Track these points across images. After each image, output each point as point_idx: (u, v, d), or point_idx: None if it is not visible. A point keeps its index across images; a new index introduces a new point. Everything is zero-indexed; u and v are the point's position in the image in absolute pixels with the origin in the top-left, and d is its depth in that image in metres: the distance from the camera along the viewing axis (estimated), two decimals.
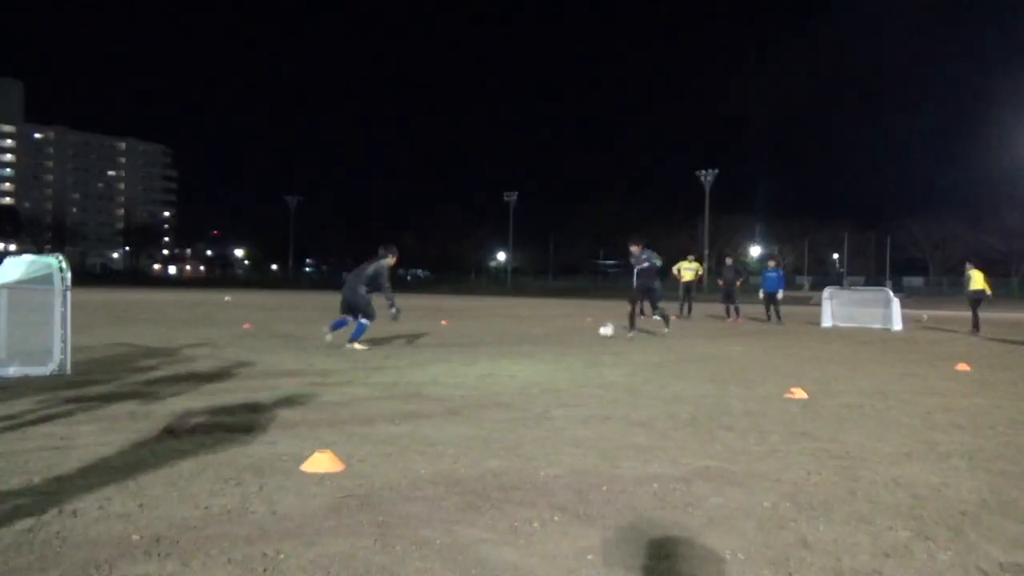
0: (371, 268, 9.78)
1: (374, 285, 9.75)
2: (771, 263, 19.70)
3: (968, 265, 16.24)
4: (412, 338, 11.62)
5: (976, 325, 15.51)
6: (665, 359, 9.23)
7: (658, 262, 12.76)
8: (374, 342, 10.64)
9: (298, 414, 5.06)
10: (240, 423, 4.70)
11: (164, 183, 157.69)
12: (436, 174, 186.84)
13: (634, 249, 12.74)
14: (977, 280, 15.73)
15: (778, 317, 17.84)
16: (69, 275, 6.71)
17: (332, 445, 4.05)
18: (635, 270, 12.80)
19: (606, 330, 12.75)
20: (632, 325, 12.59)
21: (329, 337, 9.86)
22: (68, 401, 5.33)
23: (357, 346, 9.52)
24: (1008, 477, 3.75)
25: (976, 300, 15.65)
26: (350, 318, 9.90)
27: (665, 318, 13.06)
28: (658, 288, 12.86)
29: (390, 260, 9.94)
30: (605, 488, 3.40)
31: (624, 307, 13.71)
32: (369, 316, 9.79)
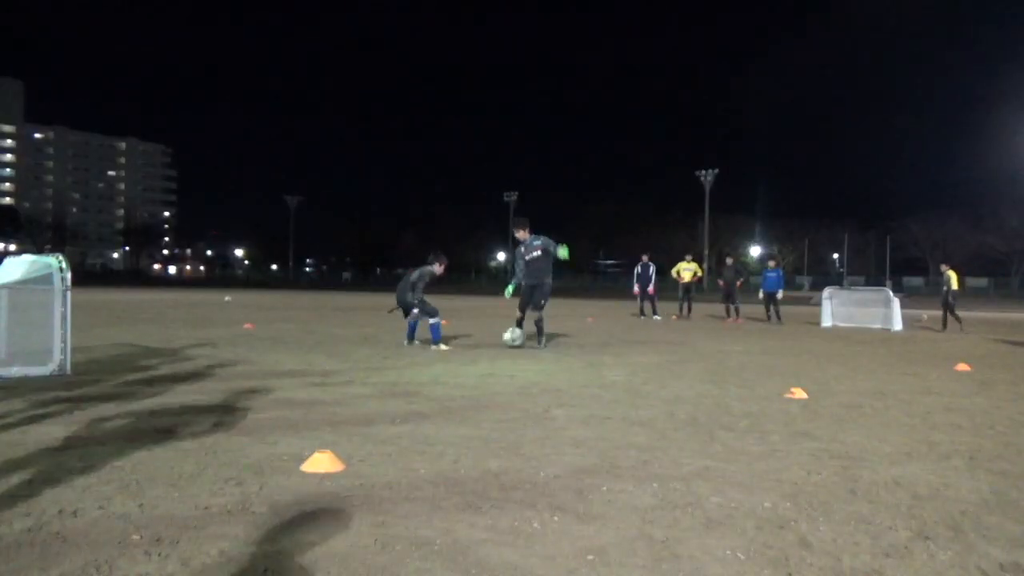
0: (415, 273, 10.03)
1: (415, 288, 9.97)
2: (771, 263, 19.75)
3: (944, 267, 17.36)
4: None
5: (946, 322, 16.73)
6: (665, 359, 9.23)
7: (556, 250, 9.92)
8: (373, 343, 10.64)
9: (298, 414, 5.06)
10: (240, 423, 4.70)
11: (164, 183, 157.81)
12: (436, 174, 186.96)
13: (520, 235, 10.22)
14: (955, 281, 16.94)
15: (778, 317, 17.85)
16: (69, 275, 6.70)
17: (332, 445, 4.05)
18: (524, 261, 10.09)
19: (511, 335, 9.98)
20: (519, 324, 10.22)
21: (407, 344, 10.09)
22: (68, 401, 5.33)
23: (442, 347, 9.76)
24: (1008, 477, 3.75)
25: (953, 300, 16.81)
26: (415, 321, 10.21)
27: (540, 330, 10.27)
28: (548, 286, 10.12)
29: (436, 268, 10.09)
30: (605, 488, 3.40)
31: (617, 309, 13.52)
32: (431, 314, 9.97)
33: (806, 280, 76.25)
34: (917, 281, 76.76)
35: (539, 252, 10.06)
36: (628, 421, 5.06)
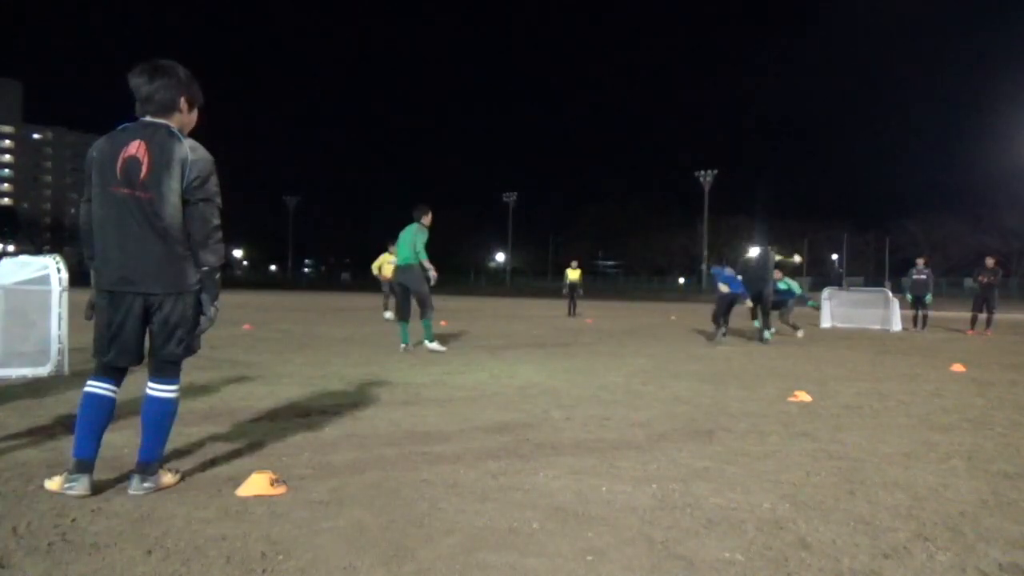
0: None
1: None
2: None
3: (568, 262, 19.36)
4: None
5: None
6: (664, 360, 9.24)
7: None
8: (373, 344, 10.64)
9: (297, 414, 5.05)
10: (239, 423, 4.69)
11: None
12: (436, 174, 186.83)
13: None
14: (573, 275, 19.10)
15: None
16: (66, 276, 6.71)
17: (331, 445, 4.05)
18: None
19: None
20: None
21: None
22: (65, 402, 5.32)
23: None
24: (1007, 478, 3.75)
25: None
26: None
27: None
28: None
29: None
30: (605, 488, 3.40)
31: (616, 309, 13.51)
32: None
33: (805, 281, 76.24)
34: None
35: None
36: (627, 422, 5.07)
